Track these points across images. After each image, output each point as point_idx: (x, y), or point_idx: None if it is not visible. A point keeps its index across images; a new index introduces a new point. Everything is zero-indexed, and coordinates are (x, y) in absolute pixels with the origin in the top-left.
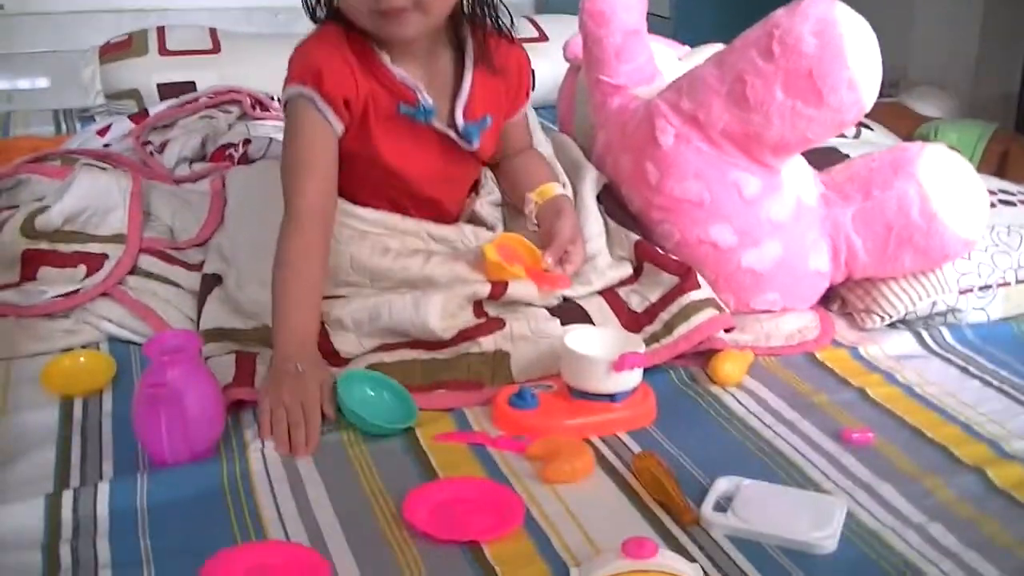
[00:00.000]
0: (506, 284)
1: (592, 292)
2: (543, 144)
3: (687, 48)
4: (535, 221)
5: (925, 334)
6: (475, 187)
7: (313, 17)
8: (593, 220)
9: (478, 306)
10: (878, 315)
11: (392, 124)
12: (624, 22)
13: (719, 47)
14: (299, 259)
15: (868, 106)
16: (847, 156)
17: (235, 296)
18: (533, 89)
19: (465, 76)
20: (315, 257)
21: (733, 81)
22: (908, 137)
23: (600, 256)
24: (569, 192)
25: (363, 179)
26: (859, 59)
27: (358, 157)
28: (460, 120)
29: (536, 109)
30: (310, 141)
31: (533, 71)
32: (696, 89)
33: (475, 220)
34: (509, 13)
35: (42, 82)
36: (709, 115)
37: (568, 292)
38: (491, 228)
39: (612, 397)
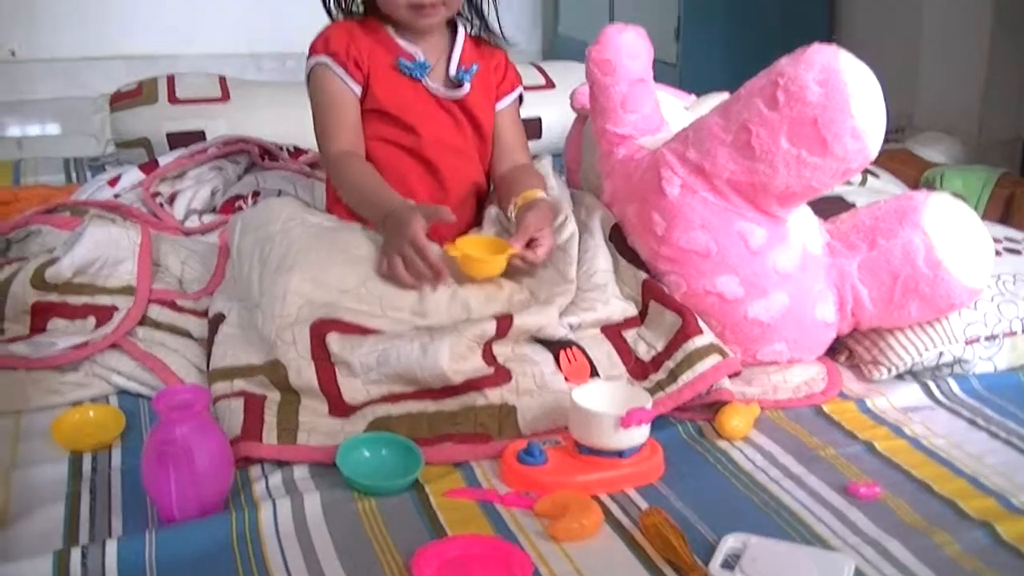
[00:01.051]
0: (511, 318)
1: (597, 320)
2: (556, 187)
3: (693, 97)
4: (514, 222)
5: (932, 385)
6: (479, 221)
7: (331, 14)
8: (602, 255)
9: (487, 352)
10: (885, 367)
11: (392, 77)
12: (630, 71)
13: (725, 96)
14: (356, 173)
15: (873, 154)
16: (853, 204)
17: (249, 318)
18: (522, 84)
19: (457, 39)
20: (366, 166)
21: (738, 130)
22: (914, 183)
23: (609, 287)
24: (569, 210)
25: (373, 143)
26: (864, 107)
27: (366, 115)
28: (453, 71)
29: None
30: (331, 99)
31: (518, 74)
32: (701, 139)
33: None
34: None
35: (53, 128)
36: (715, 165)
37: (572, 318)
38: None
39: (620, 453)
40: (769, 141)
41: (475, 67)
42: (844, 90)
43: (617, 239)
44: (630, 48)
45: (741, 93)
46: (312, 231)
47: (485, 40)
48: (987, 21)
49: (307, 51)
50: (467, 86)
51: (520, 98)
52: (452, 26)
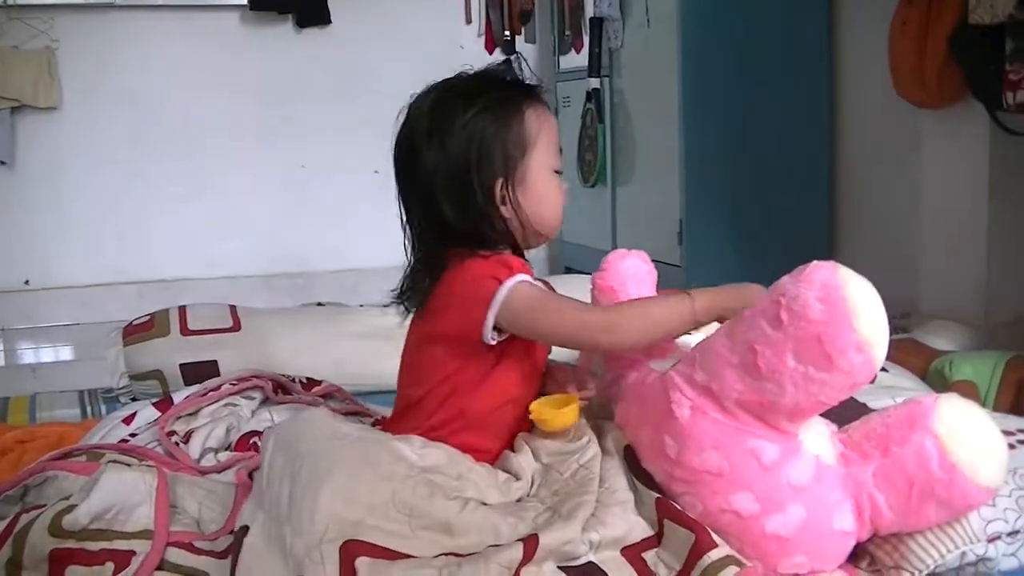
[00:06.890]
0: (536, 539)
1: (615, 538)
2: None
3: None
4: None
5: None
6: None
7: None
8: (622, 474)
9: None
10: (908, 571)
11: None
12: (635, 295)
13: None
14: (636, 307)
15: (878, 366)
16: (864, 404)
17: (276, 531)
18: None
19: None
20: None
21: (744, 351)
22: (923, 372)
23: (629, 504)
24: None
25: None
26: (866, 321)
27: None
28: None
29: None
30: (548, 294)
31: None
32: (709, 360)
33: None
34: None
35: (66, 353)
36: (723, 386)
37: (592, 534)
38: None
39: None
40: (775, 360)
41: None
42: (845, 306)
43: (631, 460)
44: (633, 273)
45: (745, 314)
46: (343, 443)
47: None
48: (984, 201)
49: (477, 286)
50: None
51: None
52: None
